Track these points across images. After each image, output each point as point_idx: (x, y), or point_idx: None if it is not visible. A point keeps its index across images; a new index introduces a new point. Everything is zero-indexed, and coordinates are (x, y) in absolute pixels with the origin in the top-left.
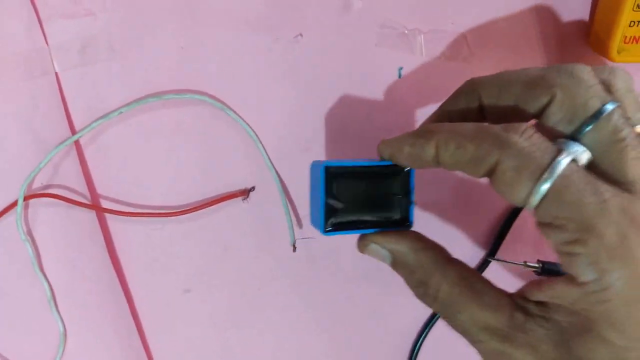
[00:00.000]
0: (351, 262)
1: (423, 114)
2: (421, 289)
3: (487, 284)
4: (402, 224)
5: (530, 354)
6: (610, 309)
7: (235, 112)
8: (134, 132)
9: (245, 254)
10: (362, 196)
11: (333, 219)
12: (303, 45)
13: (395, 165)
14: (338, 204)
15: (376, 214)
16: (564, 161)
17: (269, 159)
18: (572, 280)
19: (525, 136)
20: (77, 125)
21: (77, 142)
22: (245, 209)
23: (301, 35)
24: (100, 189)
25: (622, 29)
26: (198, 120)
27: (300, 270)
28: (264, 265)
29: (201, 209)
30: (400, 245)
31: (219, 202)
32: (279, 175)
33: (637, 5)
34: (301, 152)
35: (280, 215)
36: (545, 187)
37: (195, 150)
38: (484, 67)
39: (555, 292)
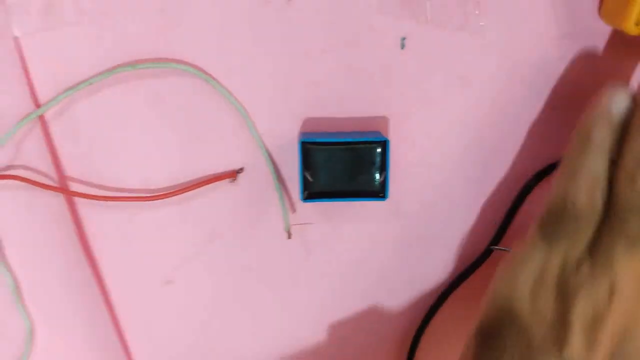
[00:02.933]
0: (353, 251)
1: (427, 89)
2: None
3: None
4: (377, 195)
5: None
6: None
7: (221, 84)
8: (106, 106)
9: (233, 242)
10: (340, 168)
11: (310, 189)
12: (296, 9)
13: (371, 143)
14: (315, 176)
15: (353, 185)
16: None
17: (259, 136)
18: None
19: None
20: (41, 98)
21: (41, 117)
22: (233, 192)
23: None
24: (68, 170)
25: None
26: (179, 93)
27: (295, 259)
28: (254, 254)
29: (183, 192)
30: None
31: (204, 184)
32: (270, 155)
33: None
34: (294, 128)
35: (272, 198)
36: None
37: (177, 126)
38: (493, 39)
39: None
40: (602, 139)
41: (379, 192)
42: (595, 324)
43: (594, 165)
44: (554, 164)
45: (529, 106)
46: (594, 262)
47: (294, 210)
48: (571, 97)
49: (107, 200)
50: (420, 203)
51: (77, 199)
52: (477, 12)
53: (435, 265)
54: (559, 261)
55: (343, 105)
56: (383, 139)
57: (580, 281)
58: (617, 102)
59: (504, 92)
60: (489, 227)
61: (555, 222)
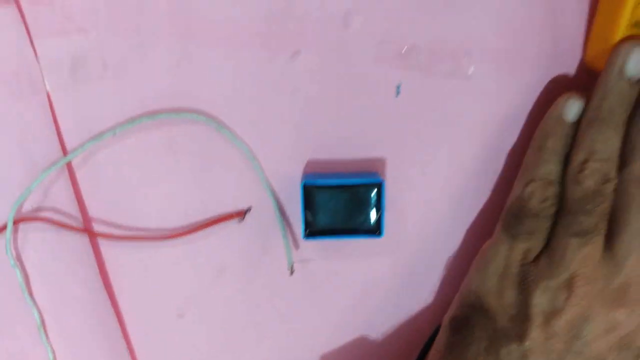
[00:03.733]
0: (352, 287)
1: (421, 132)
2: None
3: None
4: (374, 233)
5: None
6: None
7: (231, 130)
8: (127, 153)
9: (241, 277)
10: (339, 208)
11: (311, 227)
12: (301, 62)
13: (367, 184)
14: (315, 215)
15: (351, 224)
16: None
17: (266, 178)
18: None
19: None
20: (69, 146)
21: (68, 164)
22: (242, 231)
23: (299, 52)
24: (92, 212)
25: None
26: (193, 139)
27: (298, 293)
28: (260, 289)
29: (196, 231)
30: None
31: (214, 224)
32: (275, 195)
33: (634, 23)
34: (299, 171)
35: (277, 236)
36: None
37: (190, 170)
38: (484, 85)
39: None
40: (554, 143)
41: (375, 231)
42: (553, 314)
43: (548, 167)
44: None
45: (517, 147)
46: (551, 256)
47: (297, 247)
48: None
49: (126, 240)
50: (416, 240)
51: (99, 239)
52: (466, 60)
53: (431, 301)
54: (520, 256)
55: (344, 148)
56: (378, 181)
57: (539, 274)
58: (569, 109)
59: (494, 134)
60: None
61: (515, 221)
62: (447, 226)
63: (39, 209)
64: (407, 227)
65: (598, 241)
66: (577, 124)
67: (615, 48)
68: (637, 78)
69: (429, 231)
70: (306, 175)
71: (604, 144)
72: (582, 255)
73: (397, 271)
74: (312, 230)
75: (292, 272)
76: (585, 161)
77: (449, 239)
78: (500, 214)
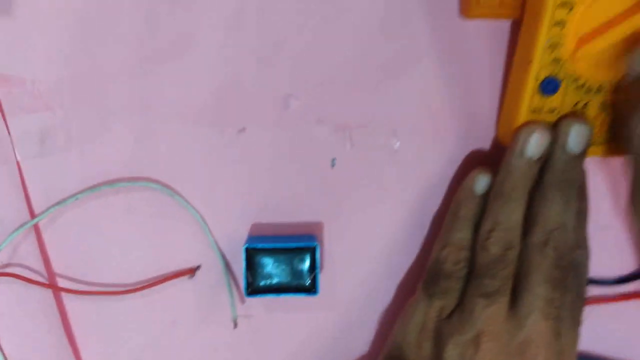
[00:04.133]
0: (292, 339)
1: (354, 199)
2: None
3: None
4: (309, 291)
5: None
6: None
7: (183, 197)
8: (89, 217)
9: (191, 329)
10: (278, 268)
11: (252, 286)
12: (247, 137)
13: (303, 248)
14: (257, 275)
15: (289, 283)
16: None
17: (215, 240)
18: None
19: None
20: (36, 210)
21: (35, 225)
22: (192, 287)
23: (245, 129)
24: (56, 269)
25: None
26: (149, 205)
27: (243, 345)
28: (208, 340)
29: (150, 287)
30: None
31: (167, 280)
32: (223, 256)
33: (532, 110)
34: (244, 233)
35: (224, 292)
36: None
37: (146, 232)
38: (409, 158)
39: None
40: (466, 212)
41: (311, 289)
42: None
43: (460, 234)
44: None
45: (439, 213)
46: (461, 313)
47: (243, 302)
48: None
49: (87, 294)
50: (350, 296)
51: (63, 293)
52: (393, 137)
53: (365, 352)
54: (436, 313)
55: (285, 212)
56: (313, 245)
57: (451, 330)
58: (478, 183)
59: (419, 201)
60: None
61: (432, 280)
62: (378, 283)
63: (8, 265)
64: (342, 285)
65: (503, 301)
66: (487, 195)
67: (517, 131)
68: (535, 158)
69: (362, 288)
70: (251, 237)
71: (508, 215)
72: (488, 314)
73: (333, 325)
74: (253, 289)
75: (235, 326)
76: (491, 230)
77: (380, 295)
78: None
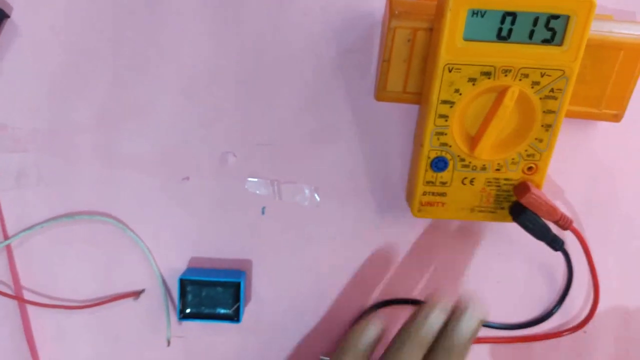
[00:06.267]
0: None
1: (280, 242)
2: None
3: None
4: (233, 319)
5: None
6: None
7: (134, 232)
8: (53, 242)
9: (132, 346)
10: (207, 298)
11: (183, 312)
12: (190, 185)
13: (230, 282)
14: (188, 302)
15: (216, 311)
16: None
17: (158, 269)
18: None
19: None
20: (10, 233)
21: (8, 246)
22: (136, 307)
23: (188, 178)
24: (24, 283)
25: (419, 197)
26: (104, 236)
27: None
28: (146, 356)
29: (100, 305)
30: None
31: (115, 300)
32: (164, 282)
33: (426, 182)
34: (184, 265)
35: (162, 314)
36: None
37: (100, 258)
38: (329, 211)
39: None
40: None
41: (234, 317)
42: None
43: None
44: (381, 302)
45: (355, 258)
46: None
47: (180, 324)
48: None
49: (47, 307)
50: (273, 324)
51: (27, 305)
52: (316, 193)
53: None
54: None
55: (220, 249)
56: (238, 280)
57: None
58: (367, 335)
59: (338, 248)
60: (330, 345)
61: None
62: (297, 316)
63: None
64: (266, 314)
65: None
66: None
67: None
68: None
69: (283, 318)
70: (189, 269)
71: None
72: None
73: (257, 348)
74: (185, 314)
75: (169, 344)
76: None
77: (298, 326)
78: (339, 314)
